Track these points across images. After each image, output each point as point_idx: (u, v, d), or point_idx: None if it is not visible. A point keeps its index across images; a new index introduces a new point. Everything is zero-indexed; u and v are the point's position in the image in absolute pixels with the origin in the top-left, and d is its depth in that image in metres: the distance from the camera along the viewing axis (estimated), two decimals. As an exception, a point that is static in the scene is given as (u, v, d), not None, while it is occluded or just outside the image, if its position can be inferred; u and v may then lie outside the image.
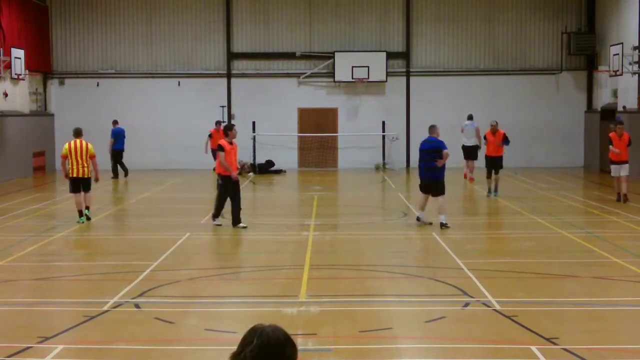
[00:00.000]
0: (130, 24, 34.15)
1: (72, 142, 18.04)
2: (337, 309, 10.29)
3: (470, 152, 27.58)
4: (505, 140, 22.70)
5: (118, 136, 29.77)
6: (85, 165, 17.91)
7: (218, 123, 29.82)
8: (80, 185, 17.98)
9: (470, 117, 28.68)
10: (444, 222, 16.78)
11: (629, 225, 17.38)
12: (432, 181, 17.20)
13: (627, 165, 20.95)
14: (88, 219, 18.10)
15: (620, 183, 21.00)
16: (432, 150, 17.12)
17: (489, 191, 22.62)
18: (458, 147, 27.48)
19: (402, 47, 34.06)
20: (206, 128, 33.98)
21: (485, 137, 23.10)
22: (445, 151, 17.05)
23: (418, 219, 17.42)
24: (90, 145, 18.10)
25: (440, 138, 17.46)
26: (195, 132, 33.85)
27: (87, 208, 18.22)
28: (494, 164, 22.60)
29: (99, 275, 12.78)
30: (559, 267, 12.98)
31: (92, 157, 18.06)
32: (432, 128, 17.60)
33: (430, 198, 17.31)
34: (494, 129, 22.83)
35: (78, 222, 17.86)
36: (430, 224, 17.09)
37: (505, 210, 20.02)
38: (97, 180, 18.33)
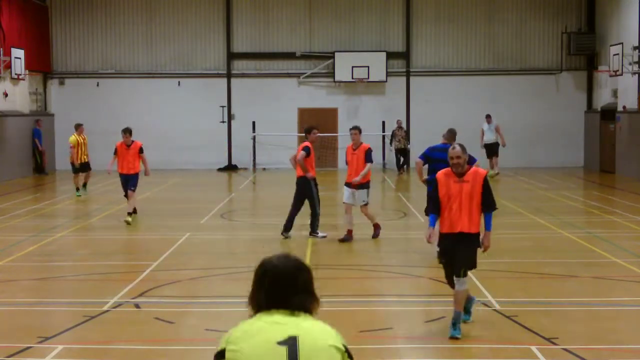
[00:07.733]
0: (130, 24, 34.13)
1: None
2: (337, 309, 10.28)
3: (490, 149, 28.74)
4: None
5: (40, 137, 31.54)
6: None
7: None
8: None
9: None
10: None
11: (629, 225, 17.37)
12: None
13: (365, 191, 14.95)
14: None
15: (349, 214, 15.25)
16: None
17: None
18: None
19: (402, 47, 34.05)
20: (206, 128, 34.00)
21: None
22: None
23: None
24: None
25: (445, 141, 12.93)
26: (195, 132, 33.85)
27: None
28: None
29: (99, 275, 12.77)
30: (559, 267, 12.98)
31: None
32: (452, 133, 12.99)
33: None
34: None
35: None
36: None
37: (505, 210, 19.98)
38: None
